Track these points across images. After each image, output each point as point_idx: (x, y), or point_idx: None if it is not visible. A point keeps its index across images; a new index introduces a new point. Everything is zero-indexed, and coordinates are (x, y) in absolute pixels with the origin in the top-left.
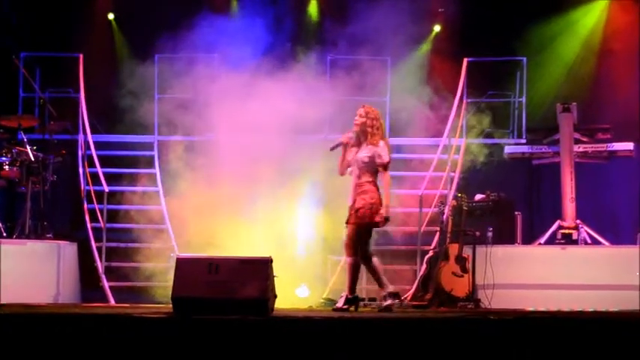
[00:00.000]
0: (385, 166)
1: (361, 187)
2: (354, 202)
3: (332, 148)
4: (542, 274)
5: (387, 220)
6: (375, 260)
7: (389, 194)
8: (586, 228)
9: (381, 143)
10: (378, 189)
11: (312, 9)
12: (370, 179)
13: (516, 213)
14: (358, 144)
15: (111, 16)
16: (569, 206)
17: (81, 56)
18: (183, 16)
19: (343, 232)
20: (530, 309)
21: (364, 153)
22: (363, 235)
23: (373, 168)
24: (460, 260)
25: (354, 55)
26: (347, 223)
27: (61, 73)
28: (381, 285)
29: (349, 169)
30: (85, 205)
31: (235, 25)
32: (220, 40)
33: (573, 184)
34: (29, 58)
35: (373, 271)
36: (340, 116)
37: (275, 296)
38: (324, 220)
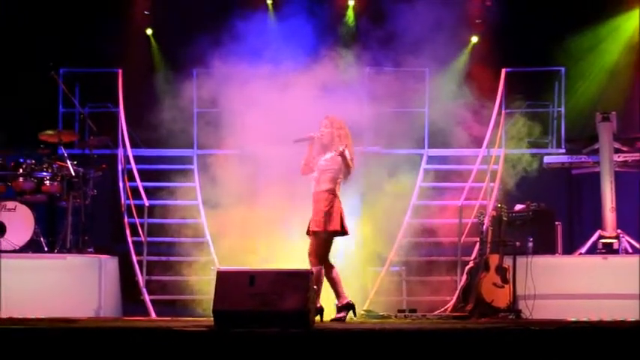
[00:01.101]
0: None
1: (317, 195)
2: (313, 210)
3: (297, 141)
4: (584, 284)
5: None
6: (335, 271)
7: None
8: (627, 237)
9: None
10: (335, 197)
11: (350, 20)
12: (328, 187)
13: (556, 223)
14: (323, 152)
15: (149, 31)
16: (610, 216)
17: (120, 71)
18: (221, 30)
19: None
20: (572, 319)
21: (325, 158)
22: (322, 243)
23: (333, 175)
24: (501, 271)
25: (393, 66)
26: (307, 232)
27: (100, 89)
28: (338, 296)
29: (314, 174)
30: (126, 219)
31: (272, 38)
32: (257, 53)
33: (613, 194)
34: (68, 74)
35: (332, 282)
36: (379, 127)
37: (316, 308)
38: (362, 232)
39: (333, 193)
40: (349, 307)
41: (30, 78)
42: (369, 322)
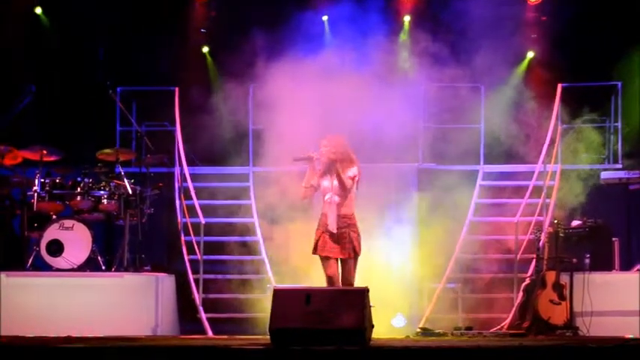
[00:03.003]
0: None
1: (350, 219)
2: (343, 234)
3: (296, 159)
4: None
5: None
6: None
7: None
8: None
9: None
10: None
11: (405, 36)
12: (354, 209)
13: (614, 239)
14: (329, 171)
15: (205, 49)
16: None
17: (176, 90)
18: (277, 46)
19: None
20: (630, 336)
21: (348, 175)
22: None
23: (349, 194)
24: (557, 287)
25: (448, 82)
26: (343, 256)
27: (157, 107)
28: None
29: (335, 198)
30: (182, 237)
31: (329, 53)
32: (314, 68)
33: None
34: (125, 93)
35: None
36: (435, 143)
37: (372, 326)
38: (418, 248)
39: None
40: None
41: (88, 97)
42: (426, 340)
